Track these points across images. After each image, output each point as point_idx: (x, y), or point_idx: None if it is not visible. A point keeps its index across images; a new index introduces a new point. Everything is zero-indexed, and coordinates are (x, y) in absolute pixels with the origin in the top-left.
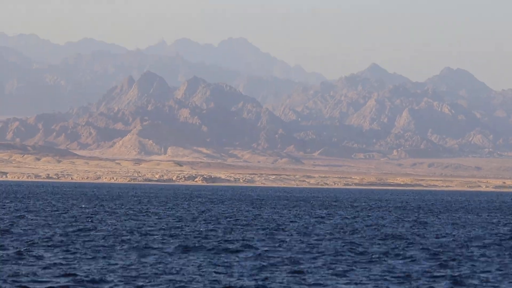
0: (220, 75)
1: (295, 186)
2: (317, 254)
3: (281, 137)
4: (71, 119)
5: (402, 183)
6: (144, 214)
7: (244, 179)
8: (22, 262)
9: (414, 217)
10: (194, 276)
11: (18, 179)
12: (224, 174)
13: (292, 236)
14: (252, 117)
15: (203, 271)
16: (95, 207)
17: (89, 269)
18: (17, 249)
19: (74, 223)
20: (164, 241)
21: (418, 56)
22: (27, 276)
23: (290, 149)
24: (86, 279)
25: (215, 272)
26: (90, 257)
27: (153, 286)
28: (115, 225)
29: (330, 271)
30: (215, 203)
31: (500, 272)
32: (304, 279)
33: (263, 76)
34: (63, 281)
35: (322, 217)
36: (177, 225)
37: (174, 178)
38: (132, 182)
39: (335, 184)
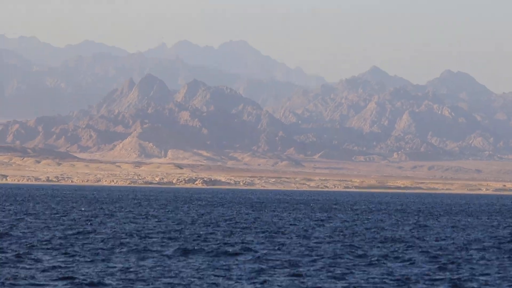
0: (220, 78)
1: (295, 189)
2: (316, 257)
3: (281, 139)
4: (71, 121)
5: (402, 186)
6: (144, 217)
7: (244, 182)
8: (21, 265)
9: (414, 220)
10: (193, 279)
11: (18, 182)
12: (224, 177)
13: (292, 239)
14: (252, 120)
15: (202, 274)
16: (94, 210)
17: (87, 272)
18: (17, 252)
19: (73, 226)
20: (163, 244)
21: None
22: (26, 279)
23: (290, 151)
24: (85, 282)
25: (214, 275)
26: (89, 260)
27: None
28: (115, 228)
29: (329, 274)
30: (215, 206)
31: (499, 275)
32: (303, 282)
33: (263, 79)
34: (61, 284)
35: (322, 220)
36: (177, 228)
37: (174, 181)
38: (132, 185)
39: (335, 187)
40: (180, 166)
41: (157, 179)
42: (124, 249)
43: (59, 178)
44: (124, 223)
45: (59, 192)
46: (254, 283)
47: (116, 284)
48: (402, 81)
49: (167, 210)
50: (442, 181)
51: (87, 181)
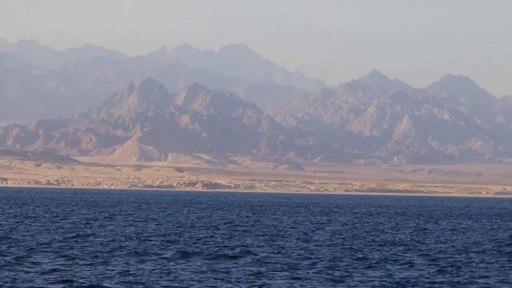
0: (220, 82)
1: (295, 192)
2: (315, 260)
3: (281, 143)
4: (72, 125)
5: (402, 189)
6: (144, 220)
7: (244, 185)
8: (20, 268)
9: (414, 223)
10: (192, 282)
11: (18, 185)
12: (224, 180)
13: (292, 242)
14: (253, 123)
15: (201, 277)
16: (94, 213)
17: (86, 275)
18: (16, 255)
19: (73, 229)
20: (162, 247)
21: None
22: (24, 283)
23: (291, 155)
24: (84, 285)
25: (213, 278)
26: (88, 263)
27: None
28: (114, 231)
29: (328, 277)
30: (215, 209)
31: (499, 278)
32: (302, 285)
33: (264, 82)
34: (60, 287)
35: (322, 223)
36: (176, 231)
37: (174, 184)
38: (132, 188)
39: (335, 190)
40: (180, 170)
41: (157, 182)
42: (124, 252)
43: (59, 182)
44: (124, 226)
45: (59, 195)
46: (253, 286)
47: (115, 287)
48: (402, 84)
49: (167, 213)
50: (442, 185)
51: (87, 184)
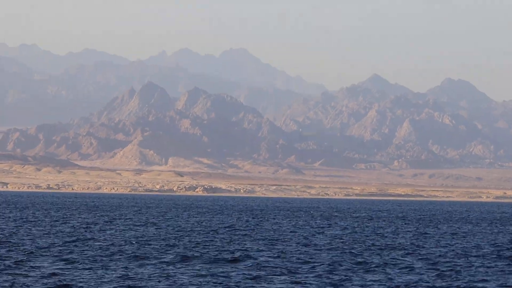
0: (220, 86)
1: (296, 196)
2: (315, 264)
3: (282, 147)
4: (72, 129)
5: (403, 193)
6: (143, 224)
7: (244, 189)
8: (19, 272)
9: (414, 228)
10: (191, 286)
11: (18, 190)
12: (224, 184)
13: (292, 246)
14: (253, 128)
15: (200, 281)
16: (94, 217)
17: (86, 280)
18: (15, 259)
19: (72, 233)
20: (162, 251)
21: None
22: (23, 287)
23: (291, 159)
24: None
25: (213, 282)
26: (87, 267)
27: None
28: (114, 235)
29: (328, 281)
30: (215, 213)
31: (498, 282)
32: None
33: (264, 87)
34: None
35: (322, 228)
36: (176, 235)
37: (174, 189)
38: (132, 192)
39: (336, 194)
40: (180, 174)
41: (157, 186)
42: (123, 256)
43: (60, 186)
44: (124, 230)
45: (59, 200)
46: None
47: None
48: (403, 89)
49: (167, 217)
50: (443, 189)
51: (88, 188)
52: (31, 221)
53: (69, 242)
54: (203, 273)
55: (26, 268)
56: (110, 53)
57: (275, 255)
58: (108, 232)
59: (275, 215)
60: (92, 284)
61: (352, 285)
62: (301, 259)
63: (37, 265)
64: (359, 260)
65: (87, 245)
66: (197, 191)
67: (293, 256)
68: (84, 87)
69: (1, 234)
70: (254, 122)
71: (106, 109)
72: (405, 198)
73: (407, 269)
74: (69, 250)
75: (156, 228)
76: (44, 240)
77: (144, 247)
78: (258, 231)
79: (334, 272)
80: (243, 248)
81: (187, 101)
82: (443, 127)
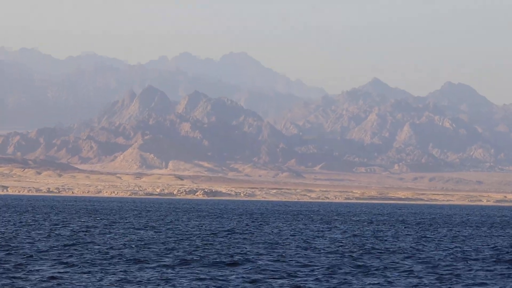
0: (221, 90)
1: (296, 200)
2: (314, 268)
3: (282, 151)
4: (72, 133)
5: (403, 197)
6: (143, 227)
7: (245, 193)
8: (19, 276)
9: (414, 231)
10: None
11: (19, 193)
12: (225, 188)
13: (291, 249)
14: (253, 131)
15: (199, 284)
16: (94, 220)
17: (85, 283)
18: (15, 263)
19: (72, 237)
20: (161, 254)
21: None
22: None
23: (291, 163)
24: None
25: (212, 286)
26: (86, 270)
27: None
28: (113, 239)
29: (327, 285)
30: (215, 217)
31: (498, 286)
32: None
33: (264, 90)
34: None
35: (322, 231)
36: (175, 239)
37: (175, 192)
38: (133, 196)
39: (336, 198)
40: (181, 178)
41: (158, 190)
42: (122, 260)
43: (60, 189)
44: (123, 233)
45: (59, 203)
46: None
47: None
48: (403, 93)
49: (166, 221)
50: (443, 193)
51: (88, 192)
52: (31, 225)
53: (68, 245)
54: (202, 276)
55: (25, 271)
56: (110, 57)
57: (275, 259)
58: (107, 235)
59: (275, 219)
60: (90, 287)
61: None
62: (301, 263)
63: (36, 268)
64: (359, 263)
65: (87, 249)
66: (197, 195)
67: (292, 260)
68: (84, 91)
69: (1, 237)
70: (255, 126)
71: (106, 113)
72: (406, 202)
73: (407, 273)
74: (68, 254)
75: (155, 232)
76: (43, 243)
77: (144, 250)
78: (258, 234)
79: (333, 276)
80: (242, 252)
81: (188, 104)
82: (444, 130)
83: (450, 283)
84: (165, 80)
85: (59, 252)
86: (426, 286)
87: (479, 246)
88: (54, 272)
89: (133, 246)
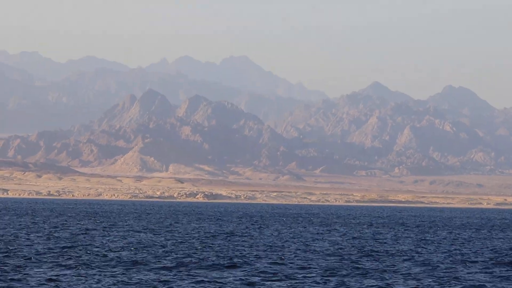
0: (221, 93)
1: (296, 203)
2: (313, 270)
3: (282, 154)
4: (73, 136)
5: (403, 200)
6: (142, 230)
7: (245, 196)
8: (17, 278)
9: (414, 234)
10: None
11: (19, 196)
12: (225, 191)
13: (290, 252)
14: (254, 135)
15: (197, 287)
16: (93, 223)
17: (83, 286)
18: (13, 265)
19: (71, 239)
20: (160, 256)
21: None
22: None
23: (292, 166)
24: None
25: None
26: (85, 273)
27: None
28: (112, 241)
29: (325, 287)
30: (214, 219)
31: None
32: None
33: (265, 94)
34: None
35: (321, 234)
36: (174, 241)
37: (175, 195)
38: (133, 199)
39: (336, 201)
40: (181, 181)
41: (158, 193)
42: (121, 262)
43: (60, 192)
44: (122, 236)
45: (59, 206)
46: None
47: None
48: (404, 96)
49: (166, 223)
50: (444, 196)
51: (88, 195)
52: (30, 227)
53: (67, 248)
54: (201, 279)
55: (24, 274)
56: (110, 60)
57: (273, 261)
58: (106, 238)
59: (274, 221)
60: None
61: None
62: (299, 265)
63: (34, 271)
64: (358, 265)
65: (85, 251)
66: (197, 198)
67: (291, 262)
68: (84, 94)
69: (0, 240)
70: (255, 129)
71: (106, 116)
72: (406, 205)
73: (406, 275)
74: (67, 256)
75: (154, 234)
76: (42, 246)
77: (142, 253)
78: (257, 237)
79: (331, 278)
80: (241, 254)
81: (188, 108)
82: (444, 134)
83: (449, 286)
84: (165, 84)
85: (58, 254)
86: None
87: (479, 249)
88: (53, 275)
89: (132, 248)
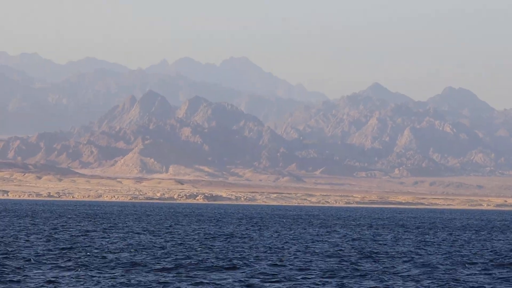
0: (221, 94)
1: (296, 204)
2: (313, 271)
3: (282, 155)
4: (73, 138)
5: (403, 201)
6: (142, 231)
7: (245, 197)
8: (16, 279)
9: (414, 235)
10: None
11: (19, 198)
12: (225, 192)
13: (290, 253)
14: (254, 136)
15: None
16: (93, 225)
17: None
18: (12, 267)
19: (70, 241)
20: (159, 258)
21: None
22: None
23: (292, 167)
24: None
25: None
26: (84, 274)
27: None
28: (112, 243)
29: None
30: (214, 221)
31: None
32: None
33: (265, 95)
34: None
35: (321, 235)
36: (174, 243)
37: (175, 197)
38: (133, 200)
39: (336, 202)
40: (181, 182)
41: (158, 194)
42: (120, 264)
43: (60, 194)
44: (122, 237)
45: (59, 208)
46: None
47: None
48: (404, 97)
49: (165, 225)
50: (444, 197)
51: (88, 196)
52: (30, 229)
53: (66, 249)
54: (200, 280)
55: (23, 275)
56: (110, 61)
57: (273, 263)
58: (106, 239)
59: (274, 223)
60: None
61: None
62: (299, 266)
63: (34, 272)
64: (357, 267)
65: (85, 253)
66: (197, 199)
67: (291, 263)
68: (84, 95)
69: (0, 241)
70: (255, 131)
71: (106, 117)
72: (406, 206)
73: (405, 277)
74: (66, 258)
75: (154, 236)
76: (41, 247)
77: (142, 254)
78: (257, 238)
79: (331, 279)
80: (241, 256)
81: (188, 109)
82: (444, 135)
83: (449, 287)
84: (165, 85)
85: (57, 256)
86: None
87: (479, 250)
88: (52, 276)
89: (131, 250)
